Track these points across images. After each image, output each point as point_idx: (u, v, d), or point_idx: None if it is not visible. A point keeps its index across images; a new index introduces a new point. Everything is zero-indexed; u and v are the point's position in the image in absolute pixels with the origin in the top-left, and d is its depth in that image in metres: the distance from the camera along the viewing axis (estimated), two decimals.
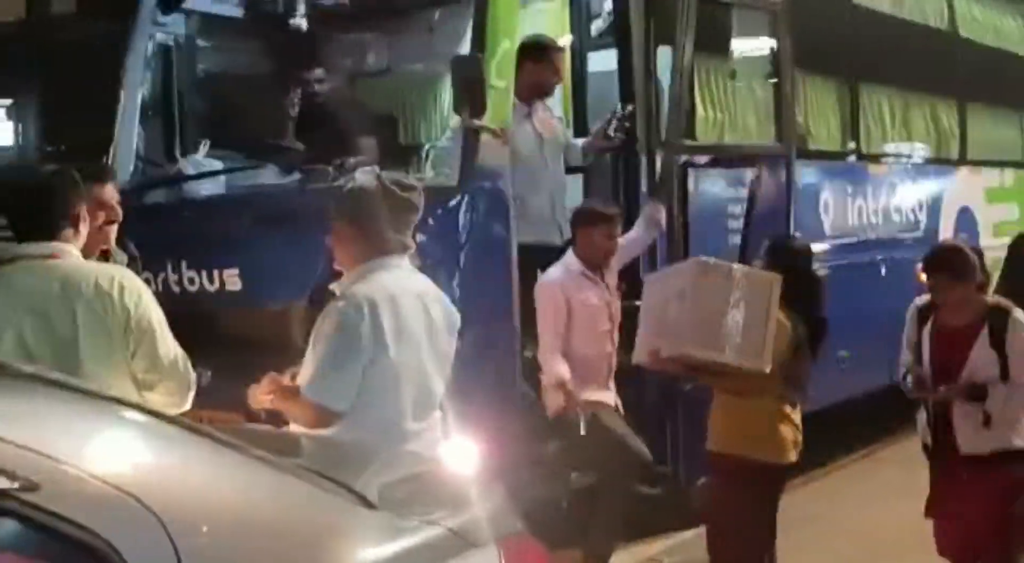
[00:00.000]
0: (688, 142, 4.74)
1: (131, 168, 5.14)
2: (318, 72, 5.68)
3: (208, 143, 5.13)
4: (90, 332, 2.71)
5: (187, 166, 4.97)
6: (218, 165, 5.04)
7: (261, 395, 3.03)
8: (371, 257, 3.02)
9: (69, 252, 2.83)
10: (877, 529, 4.69)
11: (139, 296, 2.78)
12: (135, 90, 5.44)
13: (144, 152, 5.47)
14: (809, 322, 3.73)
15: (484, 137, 4.10)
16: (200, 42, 5.84)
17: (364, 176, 4.23)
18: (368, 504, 1.73)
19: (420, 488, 2.01)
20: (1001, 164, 8.14)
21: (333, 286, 3.12)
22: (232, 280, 4.31)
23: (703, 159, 5.10)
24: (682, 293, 3.60)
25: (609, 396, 4.37)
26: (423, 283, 3.13)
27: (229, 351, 3.95)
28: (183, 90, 5.72)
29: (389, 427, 2.92)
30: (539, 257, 4.50)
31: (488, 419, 3.81)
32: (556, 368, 4.18)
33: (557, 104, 5.73)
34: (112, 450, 1.45)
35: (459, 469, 2.44)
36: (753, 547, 3.74)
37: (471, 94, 3.96)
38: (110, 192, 3.28)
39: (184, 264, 4.36)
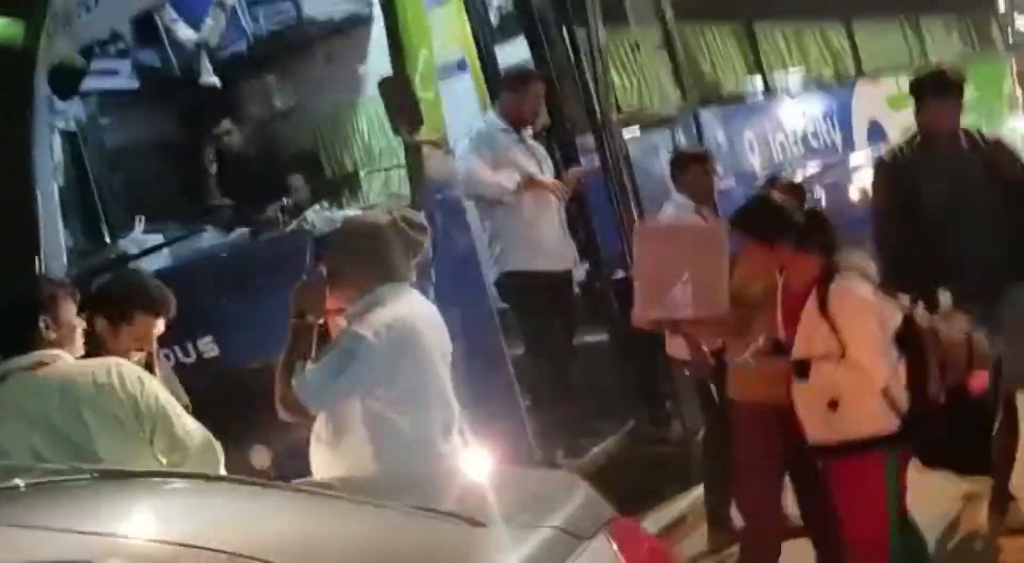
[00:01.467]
0: (616, 115, 4.82)
1: (64, 262, 5.02)
2: (229, 123, 5.63)
3: (144, 219, 5.02)
4: (102, 430, 2.69)
5: (129, 246, 4.86)
6: (159, 238, 4.94)
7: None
8: (381, 283, 3.05)
9: (57, 356, 2.79)
10: None
11: (140, 381, 2.79)
12: (49, 183, 5.31)
13: (74, 245, 5.36)
14: None
15: (425, 150, 4.11)
16: (103, 120, 5.72)
17: (317, 216, 4.26)
18: (476, 523, 1.74)
19: (500, 495, 2.02)
20: (895, 70, 8.42)
21: (341, 318, 3.12)
22: (208, 347, 4.24)
23: (631, 127, 5.18)
24: (639, 258, 3.80)
25: None
26: (430, 307, 3.20)
27: (227, 417, 3.89)
28: (97, 173, 5.60)
29: (423, 450, 2.96)
30: (550, 283, 4.60)
31: (488, 428, 3.84)
32: None
33: (475, 102, 5.79)
34: (241, 526, 1.43)
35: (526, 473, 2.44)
36: (771, 484, 3.81)
37: (404, 112, 3.97)
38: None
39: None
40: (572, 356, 4.81)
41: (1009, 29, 12.13)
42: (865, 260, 3.55)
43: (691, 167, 4.54)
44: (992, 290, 3.93)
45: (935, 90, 4.09)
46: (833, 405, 3.22)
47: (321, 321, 3.11)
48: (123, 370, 2.77)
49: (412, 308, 3.06)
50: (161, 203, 5.61)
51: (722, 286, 3.57)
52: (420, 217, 3.24)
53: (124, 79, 5.64)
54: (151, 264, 4.89)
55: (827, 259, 3.33)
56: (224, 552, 1.23)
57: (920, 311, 3.51)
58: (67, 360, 2.83)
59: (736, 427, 3.84)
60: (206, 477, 1.65)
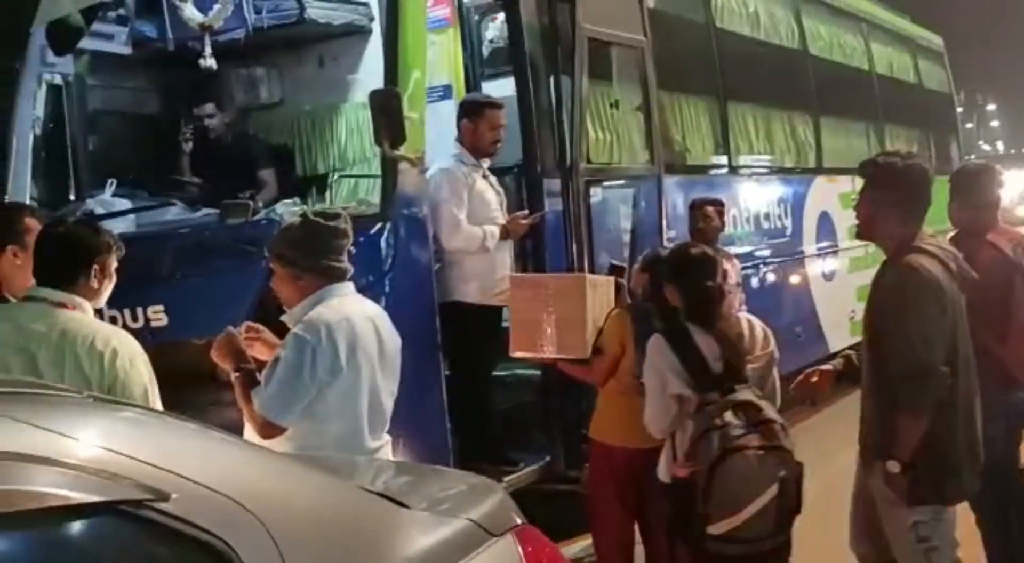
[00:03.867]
0: (585, 165, 5.03)
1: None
2: (212, 107, 5.75)
3: (114, 182, 5.12)
4: (71, 384, 2.75)
5: (96, 206, 4.95)
6: (127, 204, 5.04)
7: (242, 340, 3.23)
8: (320, 286, 3.19)
9: (81, 305, 2.87)
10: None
11: (130, 363, 2.81)
12: (27, 132, 5.40)
13: (38, 195, 5.44)
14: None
15: (402, 166, 4.28)
16: (91, 81, 5.81)
17: (287, 210, 4.40)
18: (402, 504, 1.92)
19: (427, 487, 2.20)
20: (853, 171, 8.80)
21: (285, 317, 3.26)
22: (157, 316, 4.34)
23: (598, 179, 5.41)
24: (512, 303, 4.42)
25: None
26: (372, 306, 3.32)
27: (162, 387, 3.99)
28: (75, 130, 5.68)
29: (349, 444, 3.09)
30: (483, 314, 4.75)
31: (414, 441, 4.01)
32: None
33: (454, 130, 5.99)
34: (216, 464, 1.59)
35: (449, 472, 2.62)
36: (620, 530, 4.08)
37: (390, 126, 4.13)
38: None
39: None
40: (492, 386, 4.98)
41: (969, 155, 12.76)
42: None
43: (705, 209, 5.48)
44: None
45: None
46: None
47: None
48: (120, 347, 2.79)
49: (352, 307, 3.16)
50: (133, 170, 5.71)
51: (583, 331, 4.11)
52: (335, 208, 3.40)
53: (118, 44, 5.74)
54: (115, 227, 4.99)
55: None
56: (185, 477, 1.40)
57: None
58: (87, 312, 2.90)
59: (591, 465, 4.19)
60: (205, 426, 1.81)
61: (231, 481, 1.49)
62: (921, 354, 3.07)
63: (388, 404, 3.26)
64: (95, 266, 2.91)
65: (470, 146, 4.78)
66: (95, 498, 1.38)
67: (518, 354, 4.43)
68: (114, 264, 3.00)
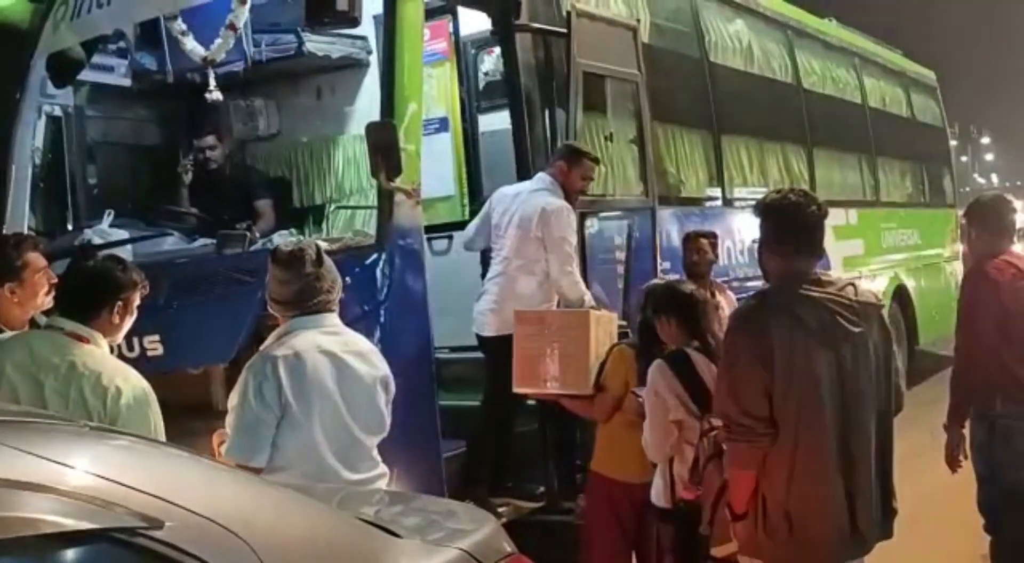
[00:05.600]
0: (579, 197, 5.07)
1: None
2: (211, 139, 5.80)
3: (112, 212, 5.15)
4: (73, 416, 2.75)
5: (93, 236, 4.99)
6: (124, 234, 5.07)
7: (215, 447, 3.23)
8: (289, 318, 3.21)
9: (95, 338, 2.91)
10: None
11: (134, 401, 2.82)
12: (25, 163, 5.44)
13: (35, 224, 5.47)
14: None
15: (398, 197, 4.32)
16: (90, 112, 5.87)
17: (283, 241, 4.43)
18: (393, 533, 1.93)
19: (418, 517, 2.21)
20: (846, 204, 8.87)
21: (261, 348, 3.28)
22: (153, 346, 4.36)
23: (592, 211, 5.46)
24: (516, 338, 4.37)
25: None
26: (344, 340, 3.24)
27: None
28: (74, 161, 5.74)
29: (324, 478, 3.04)
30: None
31: (410, 471, 4.01)
32: None
33: (450, 163, 6.05)
34: (210, 493, 1.61)
35: (442, 501, 2.63)
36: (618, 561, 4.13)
37: (386, 157, 4.17)
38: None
39: None
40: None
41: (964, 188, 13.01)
42: None
43: (699, 241, 5.53)
44: None
45: None
46: None
47: None
48: (124, 387, 2.80)
49: (314, 341, 3.13)
50: (131, 201, 5.76)
51: (586, 367, 4.12)
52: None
53: (118, 76, 5.81)
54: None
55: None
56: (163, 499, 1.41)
57: None
58: (102, 347, 2.93)
59: (590, 498, 4.23)
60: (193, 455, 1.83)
61: (225, 510, 1.51)
62: (731, 404, 2.83)
63: (366, 438, 3.22)
64: (119, 302, 2.96)
65: (568, 189, 4.89)
66: (89, 525, 1.40)
67: (521, 390, 4.43)
68: (137, 301, 3.04)
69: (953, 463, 4.09)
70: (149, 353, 4.39)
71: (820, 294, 2.85)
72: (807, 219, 2.94)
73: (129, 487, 1.44)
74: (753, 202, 7.78)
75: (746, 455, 2.84)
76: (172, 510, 1.44)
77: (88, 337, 2.87)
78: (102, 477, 1.48)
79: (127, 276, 3.00)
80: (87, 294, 2.93)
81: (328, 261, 3.27)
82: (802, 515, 2.80)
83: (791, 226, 2.94)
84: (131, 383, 2.84)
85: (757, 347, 2.79)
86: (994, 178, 72.37)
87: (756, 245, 3.10)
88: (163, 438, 2.82)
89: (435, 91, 5.91)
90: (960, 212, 11.56)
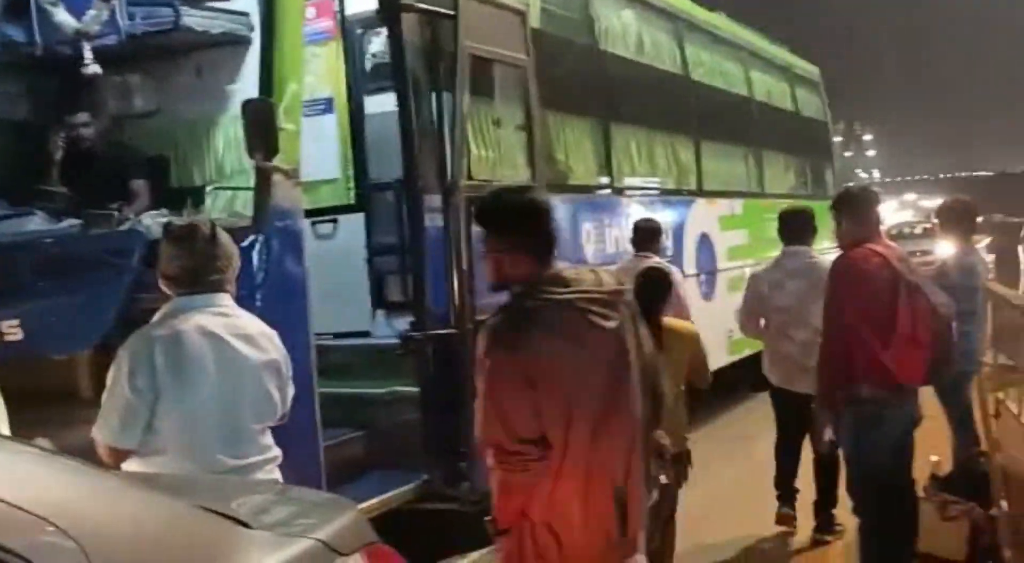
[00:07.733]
0: (466, 182, 5.01)
1: None
2: (83, 116, 5.55)
3: None
4: None
5: None
6: None
7: None
8: (172, 297, 3.11)
9: None
10: None
11: None
12: None
13: None
14: None
15: (276, 177, 4.19)
16: None
17: (153, 221, 4.26)
18: (245, 524, 1.85)
19: (279, 507, 2.13)
20: (732, 194, 9.03)
21: None
22: (12, 331, 4.14)
23: (479, 196, 5.40)
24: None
25: None
26: (232, 323, 3.13)
27: (14, 404, 3.80)
28: None
29: (204, 463, 2.97)
30: None
31: (286, 460, 3.90)
32: None
33: (335, 145, 5.91)
34: (31, 483, 1.50)
35: (304, 491, 2.55)
36: None
37: (263, 137, 4.05)
38: None
39: None
40: None
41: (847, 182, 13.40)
42: None
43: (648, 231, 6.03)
44: None
45: None
46: None
47: None
48: None
49: (196, 321, 3.04)
50: None
51: None
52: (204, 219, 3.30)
53: None
54: None
55: None
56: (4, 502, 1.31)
57: None
58: None
59: None
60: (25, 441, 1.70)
61: (47, 501, 1.41)
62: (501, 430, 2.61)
63: (249, 424, 3.12)
64: None
65: None
66: None
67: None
68: None
69: (817, 443, 4.41)
70: (7, 338, 4.18)
71: (565, 295, 2.65)
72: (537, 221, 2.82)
73: None
74: (641, 191, 7.88)
75: (522, 483, 2.61)
76: None
77: None
78: None
79: None
80: None
81: (224, 239, 3.17)
82: (567, 528, 2.63)
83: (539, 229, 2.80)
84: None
85: (515, 364, 2.57)
86: (876, 173, 75.08)
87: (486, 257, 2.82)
88: (6, 425, 2.67)
89: (320, 71, 5.78)
90: None
